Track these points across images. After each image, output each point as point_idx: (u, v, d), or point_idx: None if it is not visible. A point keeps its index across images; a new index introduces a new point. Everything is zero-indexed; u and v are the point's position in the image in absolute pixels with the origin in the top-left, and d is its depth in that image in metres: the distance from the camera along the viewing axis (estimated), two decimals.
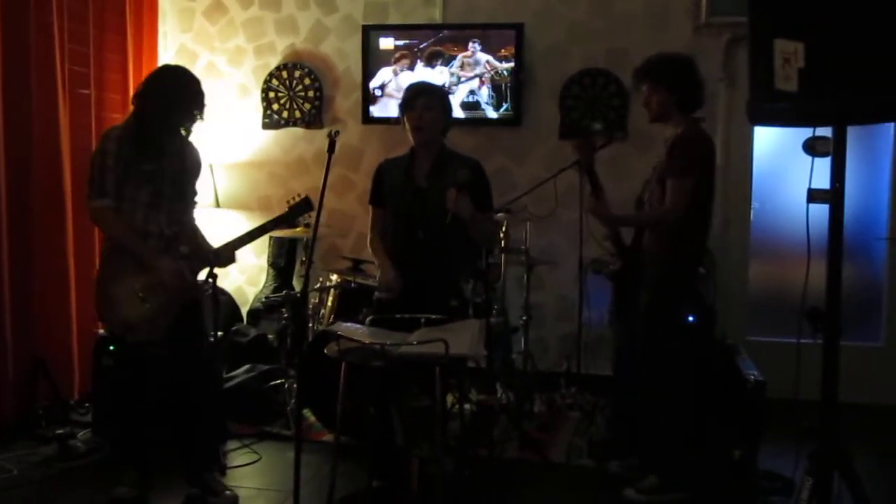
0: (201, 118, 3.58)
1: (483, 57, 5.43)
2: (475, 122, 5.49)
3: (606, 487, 3.85)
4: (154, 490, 3.66)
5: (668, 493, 3.63)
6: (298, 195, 3.81)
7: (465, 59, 5.45)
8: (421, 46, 5.50)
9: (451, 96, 5.30)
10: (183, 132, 3.59)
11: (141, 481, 3.62)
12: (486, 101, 5.45)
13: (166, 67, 3.79)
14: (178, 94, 3.49)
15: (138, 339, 3.45)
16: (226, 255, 3.60)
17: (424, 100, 3.54)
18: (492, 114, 5.46)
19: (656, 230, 3.74)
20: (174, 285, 3.41)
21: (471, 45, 5.44)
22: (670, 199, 3.58)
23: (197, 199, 3.74)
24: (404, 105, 3.59)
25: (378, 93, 5.59)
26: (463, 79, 5.46)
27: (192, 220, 3.69)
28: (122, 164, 3.40)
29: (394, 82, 5.53)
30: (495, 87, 5.44)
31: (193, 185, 3.69)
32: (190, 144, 3.66)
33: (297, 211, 3.75)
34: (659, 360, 3.69)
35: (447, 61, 5.47)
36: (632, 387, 3.92)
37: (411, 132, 3.57)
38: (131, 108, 3.58)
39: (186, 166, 3.61)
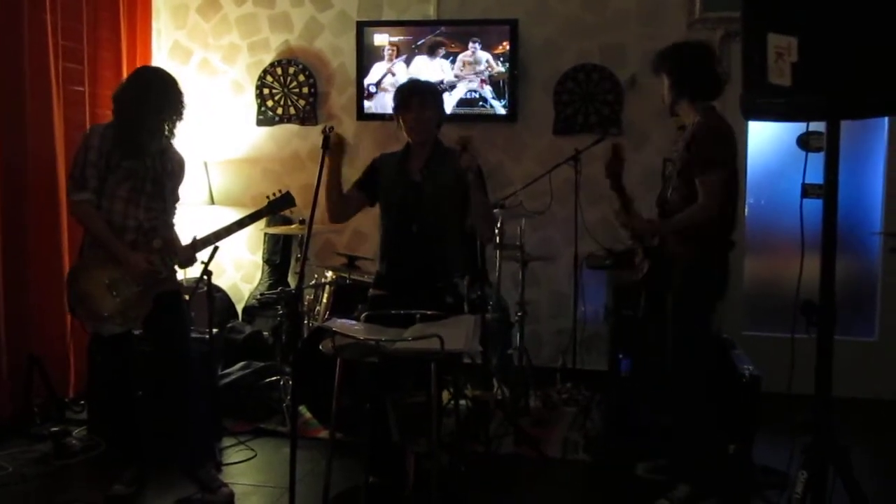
0: (179, 118, 3.61)
1: (483, 55, 5.42)
2: (471, 117, 5.48)
3: (602, 482, 3.87)
4: (151, 487, 3.66)
5: (700, 501, 3.54)
6: (280, 190, 3.80)
7: (466, 59, 5.45)
8: (418, 42, 5.49)
9: (451, 92, 5.38)
10: (166, 133, 3.61)
11: (137, 479, 3.63)
12: (490, 97, 5.44)
13: (140, 70, 3.88)
14: (147, 95, 3.52)
15: (111, 331, 3.50)
16: (184, 256, 3.61)
17: (419, 99, 3.54)
18: (500, 110, 5.44)
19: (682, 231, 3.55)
20: (145, 279, 3.48)
21: (471, 44, 5.43)
22: (702, 198, 3.40)
23: (178, 204, 3.76)
24: (399, 106, 3.58)
25: (373, 89, 5.58)
26: (464, 79, 5.45)
27: (171, 225, 3.72)
28: (104, 159, 3.47)
29: (390, 77, 5.52)
30: (493, 83, 5.44)
31: (174, 188, 3.71)
32: (173, 148, 3.69)
33: (277, 205, 3.76)
34: (688, 366, 3.55)
35: (447, 55, 5.46)
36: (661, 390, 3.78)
37: (408, 132, 3.58)
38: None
39: (167, 169, 3.63)
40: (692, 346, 3.54)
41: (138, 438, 3.69)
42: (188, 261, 3.65)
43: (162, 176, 3.60)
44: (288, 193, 3.77)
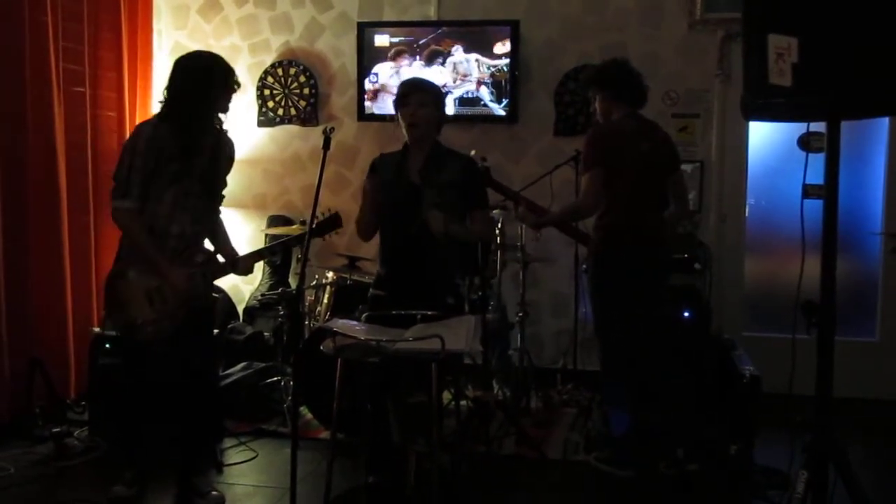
0: (235, 90, 3.46)
1: (471, 56, 5.42)
2: (471, 118, 5.49)
3: (602, 483, 3.87)
4: (151, 489, 3.65)
5: (619, 468, 3.87)
6: (329, 209, 3.76)
7: (456, 63, 5.45)
8: (420, 42, 5.49)
9: (449, 93, 5.38)
10: (216, 122, 3.49)
11: (138, 480, 3.60)
12: (489, 99, 5.44)
13: (185, 56, 3.52)
14: (210, 87, 3.36)
15: (142, 339, 3.42)
16: (244, 266, 3.60)
17: (418, 97, 3.52)
18: (499, 111, 5.45)
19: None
20: (185, 295, 3.40)
21: (454, 48, 5.43)
22: (580, 192, 3.95)
23: (225, 191, 3.66)
24: (398, 102, 3.58)
25: (374, 82, 5.57)
26: (458, 82, 5.45)
27: (217, 215, 3.65)
28: (151, 163, 3.31)
29: (394, 78, 5.51)
30: (495, 84, 5.43)
31: (223, 179, 3.62)
32: (225, 137, 3.57)
33: (326, 227, 3.71)
34: (600, 341, 4.03)
35: (446, 59, 5.46)
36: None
37: (405, 129, 3.56)
38: (162, 102, 3.43)
39: (219, 161, 3.53)
40: (603, 328, 3.95)
41: (142, 440, 3.66)
42: (246, 271, 3.63)
43: (211, 170, 3.48)
44: (336, 214, 3.72)
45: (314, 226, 3.59)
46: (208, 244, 3.65)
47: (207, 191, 3.51)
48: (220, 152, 3.55)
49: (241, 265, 3.60)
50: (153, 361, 3.52)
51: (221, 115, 3.51)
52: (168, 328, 3.41)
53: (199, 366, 3.56)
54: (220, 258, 3.61)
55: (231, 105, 3.51)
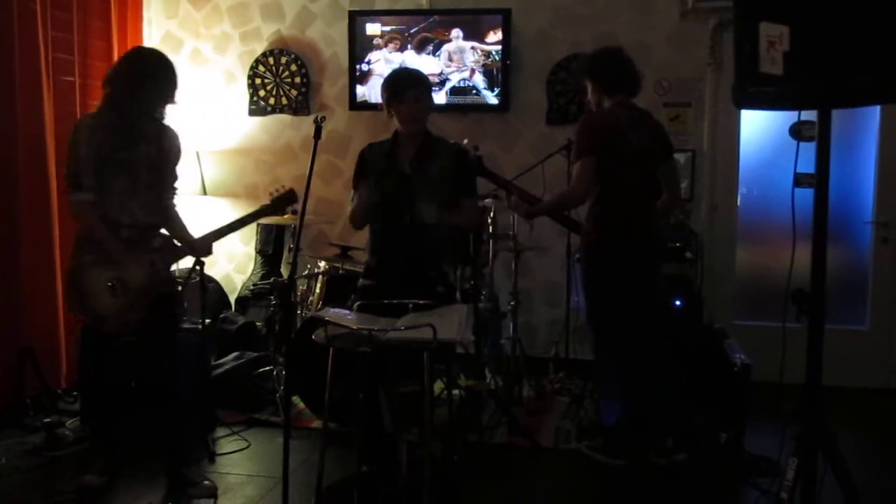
0: (173, 101, 3.52)
1: (467, 44, 5.41)
2: (463, 107, 5.48)
3: (594, 471, 3.88)
4: (124, 478, 3.62)
5: (610, 456, 3.89)
6: (283, 186, 3.78)
7: (451, 50, 5.44)
8: (411, 31, 5.47)
9: (445, 84, 5.37)
10: (159, 116, 3.52)
11: (109, 469, 3.57)
12: (482, 87, 5.43)
13: (135, 50, 3.70)
14: (148, 76, 3.42)
15: (108, 330, 3.43)
16: (201, 248, 3.59)
17: (414, 92, 3.51)
18: (492, 100, 5.43)
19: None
20: (145, 282, 3.40)
21: (453, 33, 5.41)
22: (571, 181, 3.93)
23: (177, 184, 3.66)
24: (392, 98, 3.55)
25: (365, 67, 5.55)
26: (453, 69, 5.44)
27: (171, 206, 3.64)
28: (95, 153, 3.34)
29: (383, 63, 5.49)
30: (487, 73, 5.42)
31: (173, 170, 3.61)
32: (168, 129, 3.58)
33: (281, 202, 3.74)
34: (592, 330, 4.04)
35: (437, 47, 5.45)
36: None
37: (403, 123, 3.54)
38: (104, 88, 3.50)
39: (164, 151, 3.53)
40: (595, 317, 3.96)
41: (115, 430, 3.63)
42: (204, 252, 3.61)
43: (158, 160, 3.49)
44: (291, 189, 3.73)
45: (270, 203, 3.72)
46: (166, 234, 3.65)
47: (156, 180, 3.51)
48: (168, 143, 3.56)
49: (199, 246, 3.59)
50: (122, 353, 3.54)
51: (163, 111, 3.54)
52: (132, 319, 3.42)
53: (164, 354, 3.55)
54: (178, 243, 3.61)
55: (169, 104, 3.53)
